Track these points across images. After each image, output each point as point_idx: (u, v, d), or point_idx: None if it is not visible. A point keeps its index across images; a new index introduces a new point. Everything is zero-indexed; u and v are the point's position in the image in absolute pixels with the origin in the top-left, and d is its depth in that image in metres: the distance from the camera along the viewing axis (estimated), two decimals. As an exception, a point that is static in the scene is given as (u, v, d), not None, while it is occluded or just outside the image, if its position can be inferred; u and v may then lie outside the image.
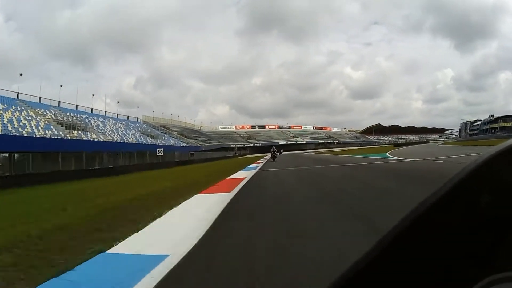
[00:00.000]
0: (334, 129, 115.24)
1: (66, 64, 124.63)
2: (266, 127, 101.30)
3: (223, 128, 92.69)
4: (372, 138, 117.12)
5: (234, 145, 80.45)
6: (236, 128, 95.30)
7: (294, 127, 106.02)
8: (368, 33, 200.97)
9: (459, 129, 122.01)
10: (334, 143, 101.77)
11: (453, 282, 0.33)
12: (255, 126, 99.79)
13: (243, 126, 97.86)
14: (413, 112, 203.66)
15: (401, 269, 0.34)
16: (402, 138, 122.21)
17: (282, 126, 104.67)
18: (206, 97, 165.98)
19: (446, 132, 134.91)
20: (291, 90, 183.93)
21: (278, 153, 26.95)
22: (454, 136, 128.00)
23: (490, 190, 0.33)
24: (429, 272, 0.33)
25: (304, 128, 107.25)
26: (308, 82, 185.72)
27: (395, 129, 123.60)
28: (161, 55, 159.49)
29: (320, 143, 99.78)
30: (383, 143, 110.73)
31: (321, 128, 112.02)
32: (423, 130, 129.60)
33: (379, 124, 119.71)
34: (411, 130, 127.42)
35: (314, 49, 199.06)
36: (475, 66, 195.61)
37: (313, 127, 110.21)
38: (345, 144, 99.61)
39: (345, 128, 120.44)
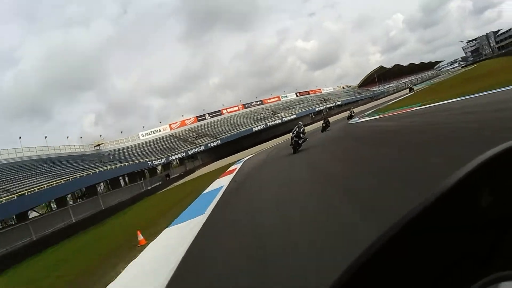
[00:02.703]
0: (325, 89, 77.65)
1: (24, 121, 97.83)
2: (223, 112, 58.67)
3: (146, 135, 49.19)
4: (377, 88, 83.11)
5: (166, 159, 39.92)
6: (171, 129, 52.50)
7: (269, 101, 64.96)
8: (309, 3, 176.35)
9: (477, 48, 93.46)
10: (334, 106, 65.76)
11: (453, 281, 0.32)
12: (203, 116, 56.46)
13: (184, 121, 54.71)
14: (374, 65, 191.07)
15: (401, 268, 0.32)
16: (405, 81, 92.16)
17: (250, 103, 62.63)
18: (168, 113, 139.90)
19: (435, 67, 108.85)
20: (251, 80, 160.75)
21: (303, 136, 12.62)
22: (457, 64, 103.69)
23: (490, 190, 0.32)
24: (429, 271, 0.32)
25: (284, 99, 66.89)
26: (265, 66, 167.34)
27: (398, 71, 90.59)
28: (113, 85, 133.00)
29: (317, 111, 62.58)
30: (393, 91, 78.48)
31: (308, 93, 72.68)
32: (422, 66, 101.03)
33: (381, 67, 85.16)
34: (413, 68, 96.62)
35: (261, 33, 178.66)
36: (424, 2, 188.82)
37: (296, 93, 70.17)
38: (349, 104, 64.04)
39: (337, 86, 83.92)
